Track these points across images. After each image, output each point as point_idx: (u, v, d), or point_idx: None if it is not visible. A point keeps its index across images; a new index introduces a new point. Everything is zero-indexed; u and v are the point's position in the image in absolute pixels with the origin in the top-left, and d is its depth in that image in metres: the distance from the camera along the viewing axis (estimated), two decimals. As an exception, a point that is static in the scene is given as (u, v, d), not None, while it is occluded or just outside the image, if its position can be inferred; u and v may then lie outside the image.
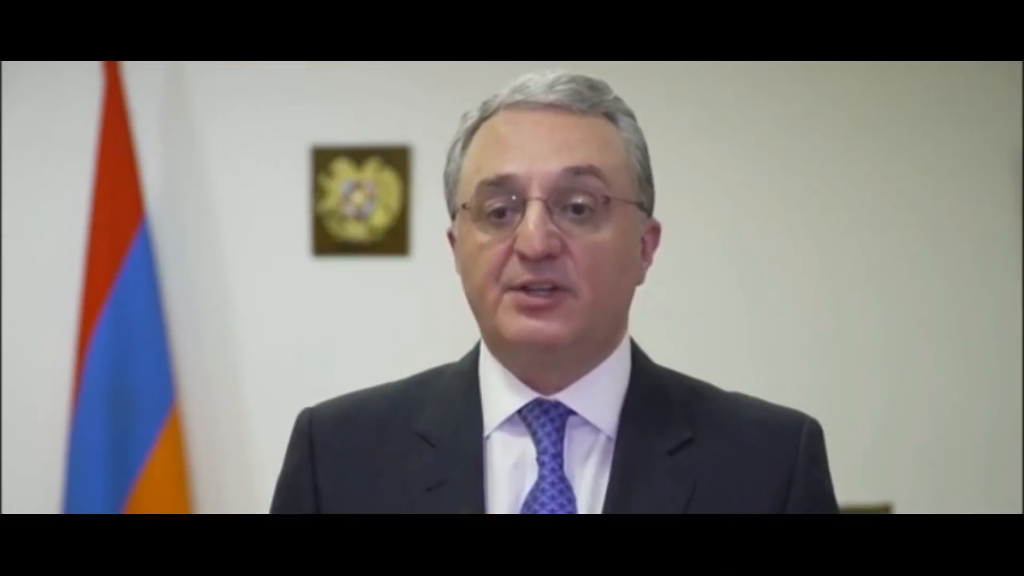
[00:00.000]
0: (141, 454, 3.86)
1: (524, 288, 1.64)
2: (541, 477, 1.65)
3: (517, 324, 1.65)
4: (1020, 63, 3.83)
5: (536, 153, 1.66)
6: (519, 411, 1.69)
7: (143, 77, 3.98)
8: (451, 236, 1.74)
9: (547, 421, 1.68)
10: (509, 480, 1.67)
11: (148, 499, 3.85)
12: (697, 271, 3.92)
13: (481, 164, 1.68)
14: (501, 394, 1.70)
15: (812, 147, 3.95)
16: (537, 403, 1.69)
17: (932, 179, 3.93)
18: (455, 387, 1.74)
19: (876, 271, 3.93)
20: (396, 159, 3.99)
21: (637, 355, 1.74)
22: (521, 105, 1.69)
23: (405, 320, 3.97)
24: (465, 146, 1.72)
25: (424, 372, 1.79)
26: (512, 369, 1.70)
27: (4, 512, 3.89)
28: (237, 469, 3.99)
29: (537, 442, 1.68)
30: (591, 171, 1.66)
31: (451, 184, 1.73)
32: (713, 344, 3.92)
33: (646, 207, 1.72)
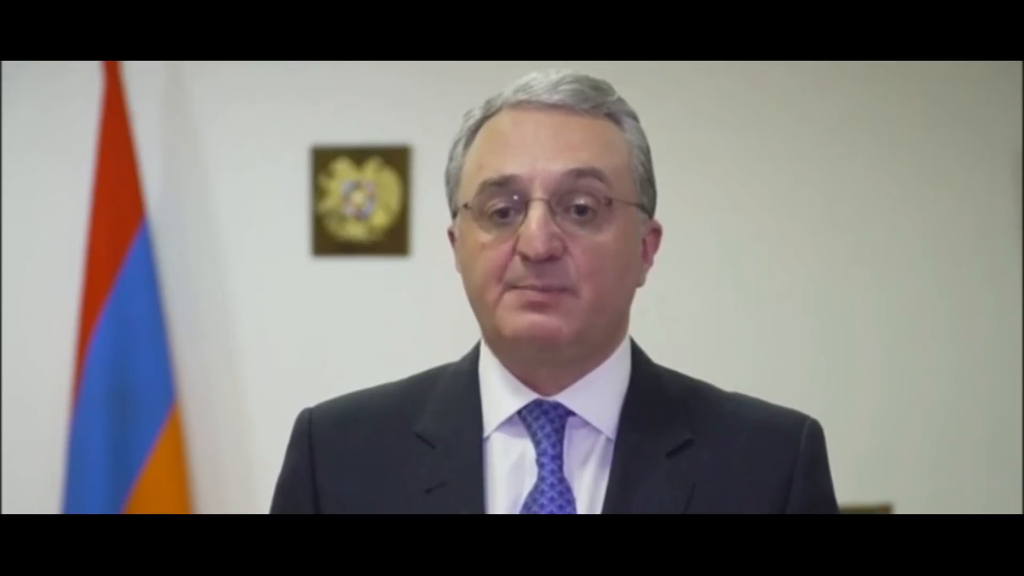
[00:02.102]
0: (141, 454, 3.86)
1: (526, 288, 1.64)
2: (541, 479, 1.65)
3: (518, 319, 1.64)
4: (1020, 63, 3.82)
5: (539, 153, 1.65)
6: (519, 412, 1.69)
7: (143, 77, 3.97)
8: (451, 234, 1.74)
9: (547, 422, 1.68)
10: (508, 481, 1.66)
11: (148, 499, 3.85)
12: (697, 270, 3.92)
13: (484, 163, 1.67)
14: (501, 395, 1.70)
15: (812, 147, 3.94)
16: (537, 404, 1.68)
17: (932, 179, 3.93)
18: (455, 388, 1.73)
19: (876, 271, 3.93)
20: (396, 159, 3.99)
21: (637, 355, 1.74)
22: (525, 105, 1.68)
23: (405, 320, 3.97)
24: (467, 144, 1.71)
25: (424, 372, 1.79)
26: (512, 369, 1.70)
27: (4, 512, 3.88)
28: (237, 469, 3.98)
29: (537, 443, 1.67)
30: (594, 173, 1.65)
31: (452, 182, 1.72)
32: (713, 344, 3.91)
33: (647, 209, 1.72)
